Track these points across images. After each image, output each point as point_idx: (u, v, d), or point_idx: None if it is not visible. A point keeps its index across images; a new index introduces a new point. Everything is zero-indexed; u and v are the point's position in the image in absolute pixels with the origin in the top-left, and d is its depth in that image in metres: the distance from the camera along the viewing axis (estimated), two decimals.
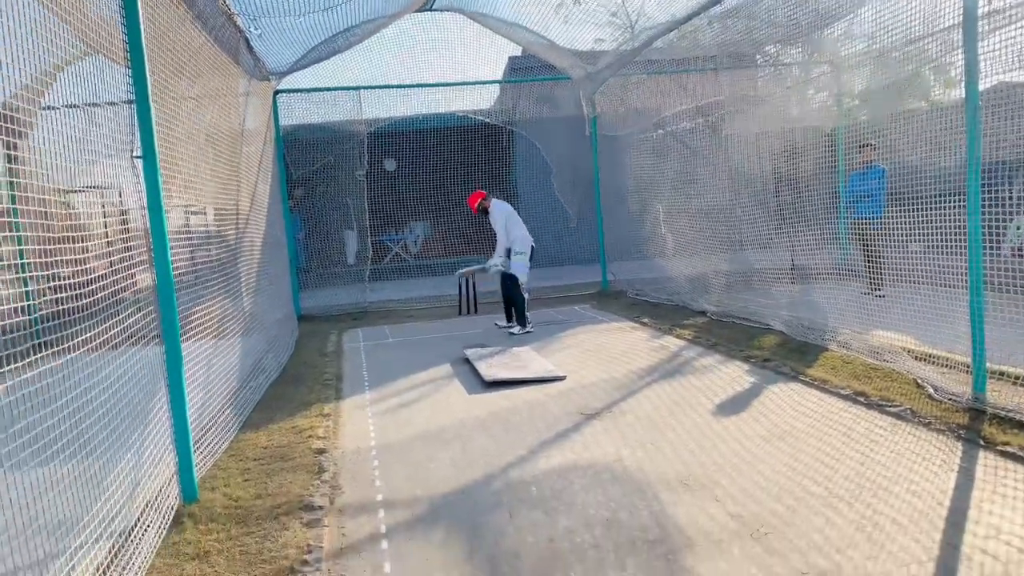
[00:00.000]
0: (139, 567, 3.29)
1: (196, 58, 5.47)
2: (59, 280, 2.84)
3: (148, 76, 3.94)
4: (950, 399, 4.83)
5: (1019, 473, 3.69)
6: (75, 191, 3.56)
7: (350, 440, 5.18)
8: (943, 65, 9.04)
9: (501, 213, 9.13)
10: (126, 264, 3.68)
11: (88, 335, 3.00)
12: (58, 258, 2.92)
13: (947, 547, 3.02)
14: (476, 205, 9.36)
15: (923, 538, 3.12)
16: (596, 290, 12.62)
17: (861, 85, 11.37)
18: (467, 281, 11.15)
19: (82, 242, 3.12)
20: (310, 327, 10.79)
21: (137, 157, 3.95)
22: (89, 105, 3.59)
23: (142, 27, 3.89)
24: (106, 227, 4.00)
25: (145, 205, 3.96)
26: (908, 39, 6.61)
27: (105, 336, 3.18)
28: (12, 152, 2.72)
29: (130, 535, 3.39)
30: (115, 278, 3.42)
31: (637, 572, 3.03)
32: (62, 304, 2.80)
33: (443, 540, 3.49)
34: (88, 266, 3.13)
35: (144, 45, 3.91)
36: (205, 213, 5.48)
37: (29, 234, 3.15)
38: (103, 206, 4.20)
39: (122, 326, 3.41)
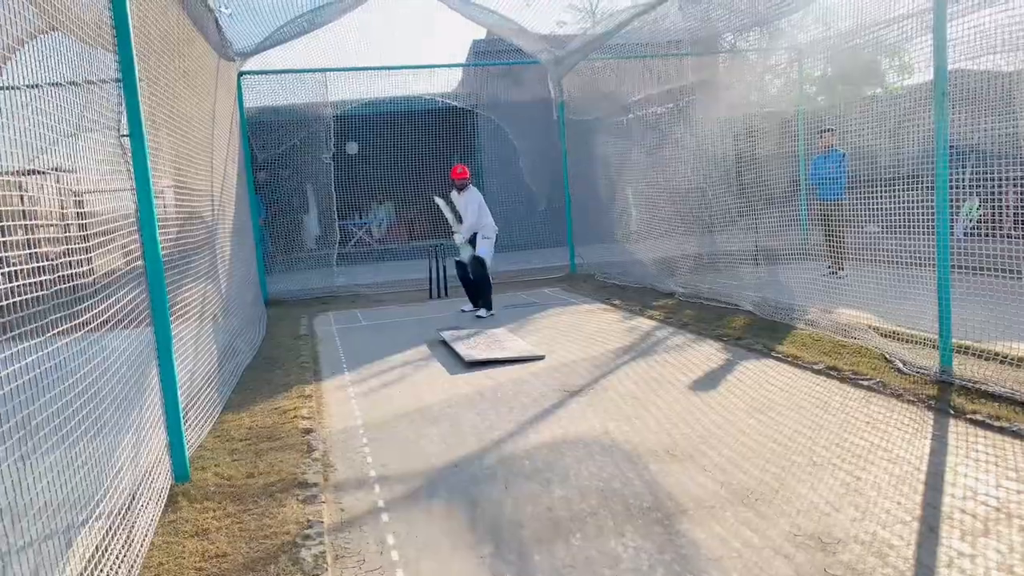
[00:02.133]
0: (139, 544, 3.30)
1: (174, 37, 5.39)
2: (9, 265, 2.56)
3: (135, 54, 3.89)
4: (918, 372, 5.04)
5: (989, 439, 3.89)
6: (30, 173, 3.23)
7: (336, 420, 5.20)
8: (901, 52, 9.33)
9: (478, 196, 9.21)
10: (83, 249, 3.40)
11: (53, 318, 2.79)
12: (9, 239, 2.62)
13: (928, 508, 3.19)
14: (465, 176, 9.30)
15: (904, 501, 3.28)
16: (565, 273, 12.74)
17: (820, 71, 11.63)
18: (437, 264, 11.17)
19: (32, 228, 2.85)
20: (279, 311, 10.71)
21: (124, 136, 3.91)
22: (52, 85, 3.49)
23: (129, 5, 3.84)
24: (62, 210, 3.76)
25: (134, 186, 3.92)
26: (866, 26, 6.82)
27: (76, 321, 3.00)
28: None
29: (126, 514, 3.38)
30: (70, 262, 3.12)
31: (636, 537, 3.14)
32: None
33: (443, 512, 3.56)
34: (40, 250, 2.90)
35: (131, 23, 3.85)
36: (187, 193, 5.41)
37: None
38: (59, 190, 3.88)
39: (94, 311, 3.21)
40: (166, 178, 4.63)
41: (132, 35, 3.88)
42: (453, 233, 9.42)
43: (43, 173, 3.13)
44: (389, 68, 12.86)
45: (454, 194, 9.42)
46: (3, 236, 2.40)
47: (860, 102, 8.40)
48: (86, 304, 3.07)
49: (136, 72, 3.90)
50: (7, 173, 2.77)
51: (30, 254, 2.75)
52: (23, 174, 2.98)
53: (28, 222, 2.94)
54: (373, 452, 4.48)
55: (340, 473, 4.17)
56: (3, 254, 2.40)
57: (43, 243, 3.23)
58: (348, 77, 12.65)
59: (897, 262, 6.02)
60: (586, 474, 3.87)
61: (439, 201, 9.51)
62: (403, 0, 11.08)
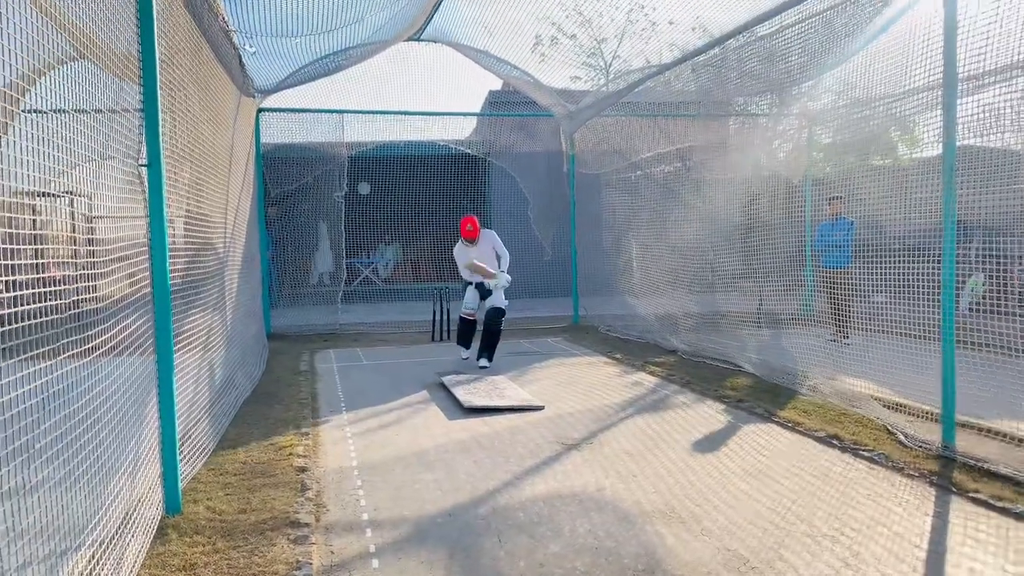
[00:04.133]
0: None
1: (198, 72, 5.50)
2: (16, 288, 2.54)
3: (159, 86, 3.97)
4: (920, 446, 5.00)
5: (991, 519, 3.84)
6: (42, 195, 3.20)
7: (331, 459, 5.16)
8: (911, 125, 9.45)
9: (493, 234, 9.02)
10: (91, 273, 3.40)
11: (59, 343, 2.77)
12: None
13: None
14: (475, 236, 8.87)
15: None
16: (568, 324, 12.74)
17: (829, 139, 11.76)
18: (441, 307, 11.18)
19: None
20: (281, 345, 10.70)
21: (143, 165, 3.96)
22: (76, 111, 3.52)
23: (156, 37, 3.93)
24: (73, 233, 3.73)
25: (147, 213, 3.96)
26: (876, 98, 6.93)
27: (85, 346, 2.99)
28: None
29: (114, 545, 3.33)
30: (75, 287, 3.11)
31: None
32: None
33: (433, 561, 3.51)
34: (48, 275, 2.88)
35: (157, 54, 3.94)
36: (201, 223, 5.46)
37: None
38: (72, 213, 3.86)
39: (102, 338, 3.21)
40: (180, 208, 4.67)
41: (158, 68, 3.96)
42: (484, 281, 8.92)
43: (56, 196, 3.15)
44: (406, 113, 13.07)
45: (460, 248, 8.96)
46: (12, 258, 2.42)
47: (869, 172, 8.49)
48: (93, 331, 3.08)
49: (159, 103, 3.97)
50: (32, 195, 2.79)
51: (38, 278, 2.76)
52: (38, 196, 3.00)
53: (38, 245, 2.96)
54: (367, 494, 4.43)
55: (332, 514, 4.13)
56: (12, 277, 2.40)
57: (51, 267, 3.24)
58: (365, 119, 12.84)
59: (902, 333, 6.02)
60: (581, 531, 3.82)
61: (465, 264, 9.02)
62: (422, 49, 11.25)
